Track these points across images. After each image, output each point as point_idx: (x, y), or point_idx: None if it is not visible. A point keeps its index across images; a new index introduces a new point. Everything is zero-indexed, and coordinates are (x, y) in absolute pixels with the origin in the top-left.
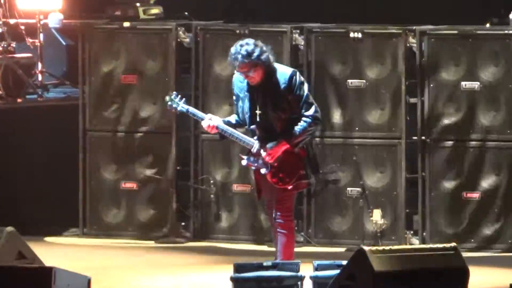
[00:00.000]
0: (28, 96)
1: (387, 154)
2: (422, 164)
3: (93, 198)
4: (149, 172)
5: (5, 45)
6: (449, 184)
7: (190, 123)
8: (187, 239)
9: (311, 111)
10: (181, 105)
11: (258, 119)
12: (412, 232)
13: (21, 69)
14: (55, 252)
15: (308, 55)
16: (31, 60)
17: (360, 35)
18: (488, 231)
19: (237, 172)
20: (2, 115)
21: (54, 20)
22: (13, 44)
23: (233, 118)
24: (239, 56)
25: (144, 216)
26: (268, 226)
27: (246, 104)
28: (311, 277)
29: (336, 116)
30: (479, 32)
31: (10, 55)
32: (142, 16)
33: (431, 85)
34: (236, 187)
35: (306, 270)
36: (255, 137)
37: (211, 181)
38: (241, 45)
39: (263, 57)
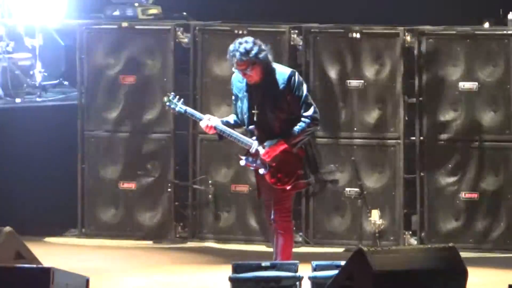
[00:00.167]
0: (26, 97)
1: (385, 154)
2: (420, 164)
3: (92, 198)
4: (147, 172)
5: (3, 46)
6: (447, 185)
7: (189, 123)
8: (185, 239)
9: (310, 112)
10: (179, 106)
11: (256, 119)
12: (410, 232)
13: (19, 69)
14: (54, 252)
15: (307, 55)
16: (29, 61)
17: (358, 35)
18: (486, 231)
19: (235, 173)
20: (1, 116)
21: (53, 20)
22: (12, 45)
23: (231, 118)
24: (237, 54)
25: (143, 217)
26: (266, 226)
27: (245, 104)
28: (309, 278)
29: (335, 116)
30: (477, 32)
31: (8, 56)
32: (140, 16)
33: (429, 85)
34: (234, 188)
35: (305, 270)
36: (254, 138)
37: (209, 181)
38: (240, 43)
39: (261, 55)
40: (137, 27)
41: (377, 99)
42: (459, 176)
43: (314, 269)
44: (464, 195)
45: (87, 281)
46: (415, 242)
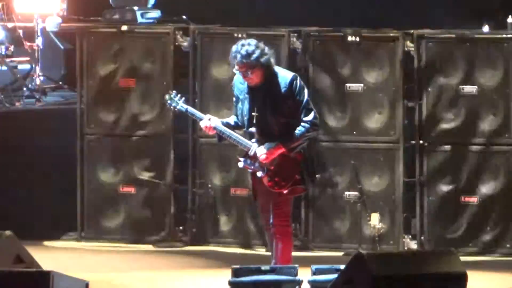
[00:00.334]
0: (26, 100)
1: (385, 158)
2: (420, 168)
3: (91, 202)
4: (147, 175)
5: (3, 49)
6: (447, 188)
7: (188, 127)
8: (185, 243)
9: (310, 117)
10: (181, 104)
11: (256, 122)
12: (410, 236)
13: (19, 73)
14: (53, 256)
15: (306, 59)
16: (29, 64)
17: (358, 39)
18: (486, 235)
19: (235, 176)
20: (0, 119)
21: (52, 23)
22: (11, 48)
23: (231, 120)
24: (238, 56)
25: (142, 220)
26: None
27: (246, 106)
28: (309, 281)
29: (334, 120)
30: (477, 36)
31: (8, 59)
32: (140, 19)
33: (429, 89)
34: (234, 191)
35: (304, 274)
36: (253, 140)
37: (209, 185)
38: (243, 45)
39: (263, 59)
40: (136, 30)
41: (377, 103)
42: (458, 179)
43: (314, 273)
44: (463, 199)
45: (87, 285)
46: (415, 246)
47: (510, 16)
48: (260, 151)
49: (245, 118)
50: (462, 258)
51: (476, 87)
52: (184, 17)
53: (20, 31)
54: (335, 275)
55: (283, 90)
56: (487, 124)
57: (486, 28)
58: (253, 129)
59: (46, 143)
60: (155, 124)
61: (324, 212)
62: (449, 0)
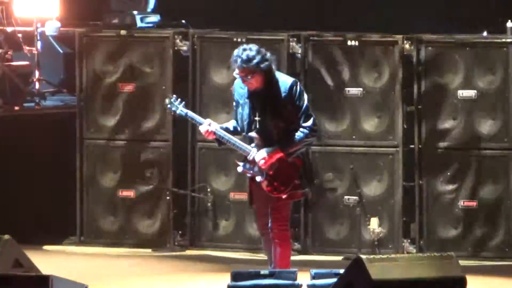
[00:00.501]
0: (25, 104)
1: (384, 162)
2: (419, 172)
3: (91, 206)
4: (146, 180)
5: (2, 53)
6: (446, 193)
7: (188, 131)
8: (184, 248)
9: (309, 123)
10: (180, 108)
11: (256, 126)
12: (409, 240)
13: (18, 77)
14: (52, 260)
15: (305, 63)
16: (28, 68)
17: (357, 43)
18: (485, 239)
19: (234, 181)
20: (0, 123)
21: (52, 28)
22: (10, 52)
23: (231, 125)
24: (239, 60)
25: (141, 225)
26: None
27: (245, 111)
28: (308, 286)
29: (333, 124)
30: (476, 40)
31: (7, 63)
32: (139, 24)
33: (428, 93)
34: (233, 196)
35: (304, 278)
36: (252, 144)
37: (208, 190)
38: (244, 49)
39: (263, 65)
40: (136, 35)
41: (376, 107)
42: (457, 184)
43: (313, 277)
44: (462, 203)
45: None
46: (414, 250)
47: (509, 20)
48: (259, 155)
49: (245, 123)
50: (461, 262)
51: (475, 91)
52: (183, 21)
53: (20, 35)
54: (334, 280)
55: (283, 95)
56: (486, 128)
57: (485, 33)
58: (252, 134)
59: (46, 147)
60: (155, 128)
61: (323, 216)
62: (449, 4)
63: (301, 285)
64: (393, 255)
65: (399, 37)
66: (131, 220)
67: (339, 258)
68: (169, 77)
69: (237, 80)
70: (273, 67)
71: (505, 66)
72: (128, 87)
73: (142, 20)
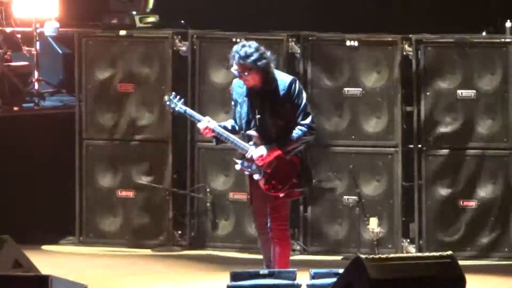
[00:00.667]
0: (24, 105)
1: (383, 162)
2: (418, 172)
3: (90, 206)
4: (145, 180)
5: (1, 54)
6: (445, 193)
7: (187, 131)
8: (183, 247)
9: (307, 121)
10: (179, 106)
11: (254, 124)
12: (408, 240)
13: (17, 77)
14: (52, 260)
15: (304, 63)
16: (27, 69)
17: (356, 43)
18: (484, 239)
19: (233, 181)
20: None
21: (51, 28)
22: (10, 53)
23: (229, 124)
24: (237, 56)
25: (141, 224)
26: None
27: (244, 109)
28: (307, 286)
29: (333, 124)
30: (475, 40)
31: (6, 64)
32: (138, 24)
33: (428, 93)
34: (232, 195)
35: (303, 278)
36: (251, 143)
37: (208, 189)
38: (243, 46)
39: (260, 63)
40: (135, 35)
41: (375, 107)
42: (457, 184)
43: (312, 277)
44: (462, 203)
45: None
46: (414, 250)
47: (508, 20)
48: (257, 153)
49: (243, 121)
50: (461, 262)
51: (474, 91)
52: (182, 21)
53: (19, 36)
54: (333, 279)
55: (281, 93)
56: (485, 128)
57: (484, 33)
58: (250, 132)
59: (45, 147)
60: (154, 128)
61: (322, 216)
62: (448, 4)
63: (301, 285)
64: (392, 255)
65: (398, 37)
66: (130, 220)
67: (339, 258)
68: (168, 77)
69: (235, 80)
70: (272, 66)
71: (505, 66)
72: (127, 88)
73: (141, 20)
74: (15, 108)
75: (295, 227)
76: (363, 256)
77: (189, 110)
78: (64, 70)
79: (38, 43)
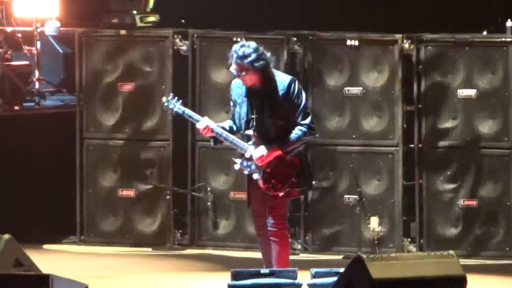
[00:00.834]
0: (25, 104)
1: (384, 162)
2: (419, 171)
3: (91, 206)
4: (146, 179)
5: (2, 53)
6: (446, 192)
7: (188, 130)
8: (184, 247)
9: (307, 121)
10: (178, 107)
11: (253, 124)
12: (409, 239)
13: (18, 77)
14: (53, 260)
15: (305, 62)
16: (28, 68)
17: (357, 42)
18: (485, 238)
19: (234, 180)
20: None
21: (51, 28)
22: (10, 52)
23: (227, 124)
24: (235, 55)
25: (141, 224)
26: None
27: (243, 109)
28: (308, 285)
29: (333, 124)
30: (476, 39)
31: (7, 63)
32: (139, 23)
33: (428, 92)
34: (233, 195)
35: (304, 277)
36: (250, 142)
37: (208, 189)
38: (242, 45)
39: (257, 64)
40: (135, 34)
41: (376, 106)
42: (458, 183)
43: (313, 276)
44: (463, 202)
45: None
46: (414, 249)
47: (509, 20)
48: (257, 153)
49: (243, 121)
50: (462, 262)
51: (475, 90)
52: (183, 21)
53: (19, 35)
54: (334, 278)
55: (281, 93)
56: (486, 127)
57: (485, 32)
58: (250, 132)
59: (45, 147)
60: (155, 127)
61: (323, 215)
62: (448, 3)
63: (301, 284)
64: (393, 254)
65: (398, 36)
66: (131, 220)
67: (339, 257)
68: (169, 76)
69: (234, 80)
70: (271, 67)
71: (505, 65)
72: (128, 87)
73: (141, 19)
74: (16, 108)
75: (296, 226)
76: (363, 255)
77: (188, 111)
78: (65, 69)
79: (38, 42)
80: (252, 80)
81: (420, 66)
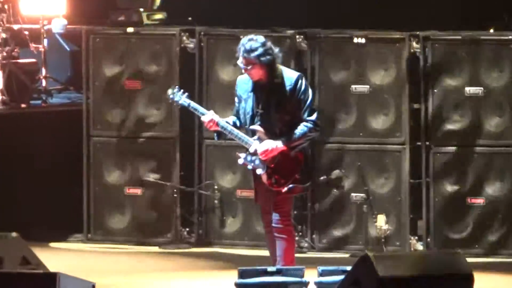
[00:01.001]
0: (32, 102)
1: (391, 160)
2: (426, 169)
3: (97, 204)
4: (153, 177)
5: (9, 51)
6: (453, 190)
7: (195, 129)
8: (191, 245)
9: (313, 117)
10: (183, 99)
11: (259, 119)
12: (416, 237)
13: (25, 74)
14: (60, 258)
15: (312, 60)
16: (35, 66)
17: (363, 40)
18: (492, 236)
19: (241, 178)
20: (6, 121)
21: (58, 25)
22: (17, 50)
23: (230, 120)
24: (242, 49)
25: (148, 222)
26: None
27: (249, 104)
28: (315, 283)
29: (340, 122)
30: (483, 37)
31: (14, 61)
32: (146, 21)
33: (435, 90)
34: (240, 193)
35: (311, 275)
36: (254, 137)
37: (215, 187)
38: (250, 39)
39: (263, 58)
40: (142, 32)
41: (383, 104)
42: (464, 181)
43: (320, 274)
44: (470, 200)
45: (93, 286)
46: (421, 247)
47: None
48: (261, 148)
49: (248, 116)
50: (468, 259)
51: (482, 88)
52: (190, 18)
53: (26, 33)
54: (341, 277)
55: (287, 88)
56: (493, 125)
57: (492, 30)
58: (255, 127)
59: (52, 144)
60: (161, 125)
61: (330, 213)
62: (455, 1)
63: (309, 282)
64: (400, 252)
65: (406, 34)
66: (138, 218)
67: (346, 255)
68: (176, 74)
69: (240, 76)
70: (278, 62)
71: None
72: (135, 84)
73: (148, 17)
74: (23, 105)
75: (303, 224)
76: (370, 253)
77: (193, 104)
78: (72, 67)
79: (45, 40)
80: (258, 74)
81: (427, 64)
